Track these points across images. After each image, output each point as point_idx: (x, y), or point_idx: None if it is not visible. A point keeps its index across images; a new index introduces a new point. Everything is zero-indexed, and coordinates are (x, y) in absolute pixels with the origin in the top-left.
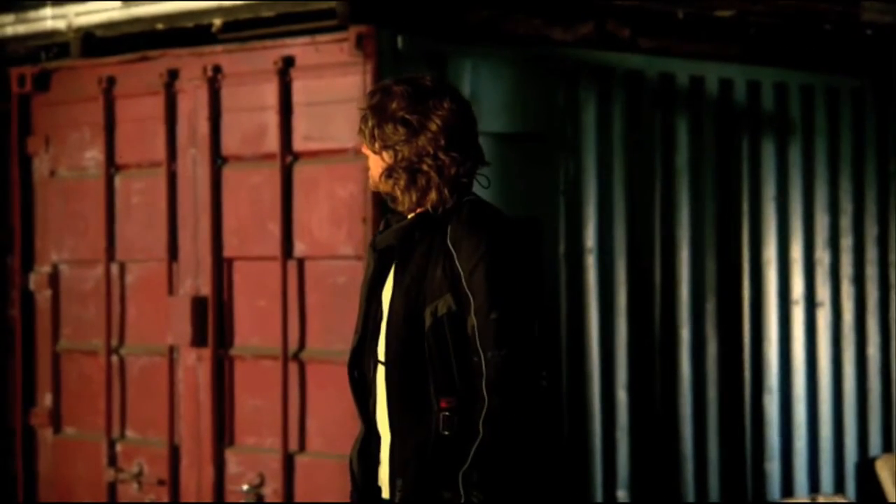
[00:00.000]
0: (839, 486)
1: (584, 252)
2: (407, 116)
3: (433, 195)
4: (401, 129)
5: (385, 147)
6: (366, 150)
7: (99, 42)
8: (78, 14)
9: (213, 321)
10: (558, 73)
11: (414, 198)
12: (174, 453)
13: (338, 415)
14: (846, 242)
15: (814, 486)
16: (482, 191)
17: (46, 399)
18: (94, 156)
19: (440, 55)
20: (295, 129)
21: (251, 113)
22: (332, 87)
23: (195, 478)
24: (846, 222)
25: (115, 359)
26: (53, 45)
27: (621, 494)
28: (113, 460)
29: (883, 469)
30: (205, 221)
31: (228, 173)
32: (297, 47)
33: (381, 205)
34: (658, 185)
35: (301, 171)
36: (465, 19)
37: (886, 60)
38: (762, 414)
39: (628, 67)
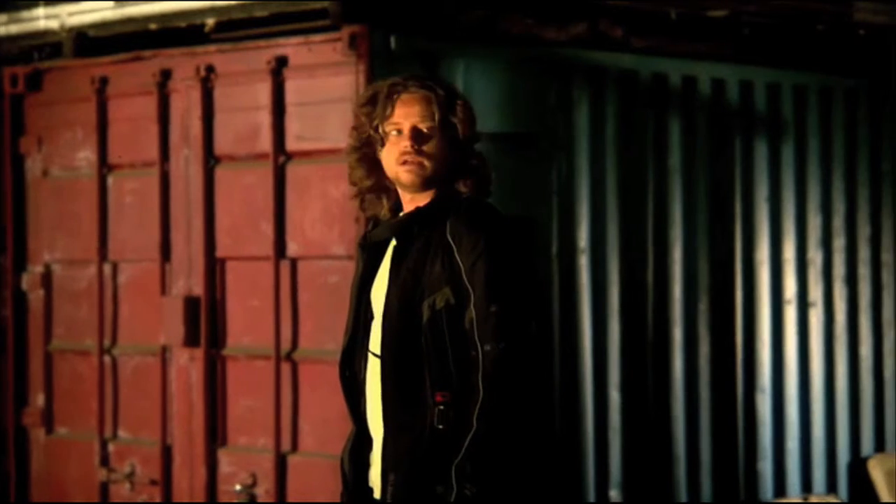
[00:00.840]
0: (831, 486)
1: (577, 252)
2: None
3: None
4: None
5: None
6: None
7: (92, 42)
8: (71, 14)
9: (205, 321)
10: (551, 72)
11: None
12: (166, 453)
13: (330, 415)
14: (839, 242)
15: (806, 486)
16: None
17: (39, 399)
18: (86, 156)
19: (433, 55)
20: (288, 129)
21: (244, 113)
22: (325, 87)
23: (187, 478)
24: (839, 222)
25: (107, 359)
26: (46, 45)
27: (613, 494)
28: (105, 460)
29: (875, 469)
30: (197, 221)
31: (221, 173)
32: (290, 47)
33: None
34: (651, 185)
35: (294, 171)
36: (458, 19)
37: (879, 60)
38: (754, 414)
39: (621, 67)
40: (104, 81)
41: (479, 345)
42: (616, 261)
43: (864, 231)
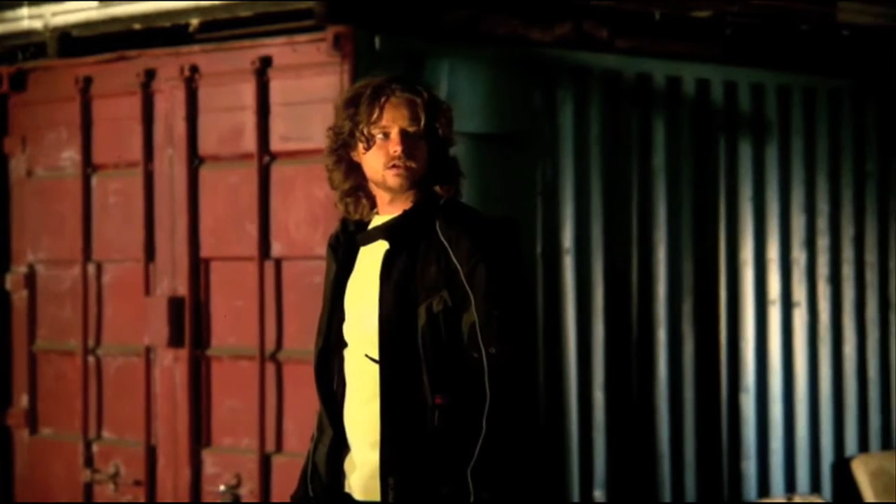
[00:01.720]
0: (815, 486)
1: (562, 252)
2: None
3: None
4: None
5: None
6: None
7: (76, 42)
8: (55, 14)
9: (189, 321)
10: (536, 73)
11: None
12: (151, 454)
13: (315, 415)
14: (823, 242)
15: (790, 486)
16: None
17: (23, 399)
18: (70, 156)
19: (418, 55)
20: (272, 130)
21: (228, 113)
22: (310, 87)
23: (172, 478)
24: (823, 222)
25: (91, 359)
26: (30, 45)
27: (598, 494)
28: (89, 461)
29: (859, 469)
30: (182, 221)
31: (205, 173)
32: (275, 47)
33: None
34: (635, 185)
35: (278, 172)
36: (442, 19)
37: (863, 61)
38: (738, 413)
39: (605, 68)
40: (88, 81)
41: (482, 348)
42: (600, 261)
43: (848, 231)
